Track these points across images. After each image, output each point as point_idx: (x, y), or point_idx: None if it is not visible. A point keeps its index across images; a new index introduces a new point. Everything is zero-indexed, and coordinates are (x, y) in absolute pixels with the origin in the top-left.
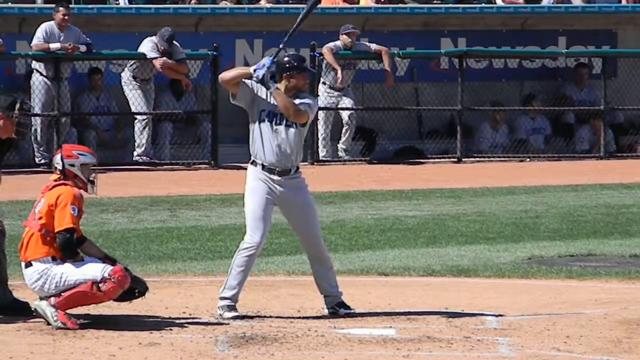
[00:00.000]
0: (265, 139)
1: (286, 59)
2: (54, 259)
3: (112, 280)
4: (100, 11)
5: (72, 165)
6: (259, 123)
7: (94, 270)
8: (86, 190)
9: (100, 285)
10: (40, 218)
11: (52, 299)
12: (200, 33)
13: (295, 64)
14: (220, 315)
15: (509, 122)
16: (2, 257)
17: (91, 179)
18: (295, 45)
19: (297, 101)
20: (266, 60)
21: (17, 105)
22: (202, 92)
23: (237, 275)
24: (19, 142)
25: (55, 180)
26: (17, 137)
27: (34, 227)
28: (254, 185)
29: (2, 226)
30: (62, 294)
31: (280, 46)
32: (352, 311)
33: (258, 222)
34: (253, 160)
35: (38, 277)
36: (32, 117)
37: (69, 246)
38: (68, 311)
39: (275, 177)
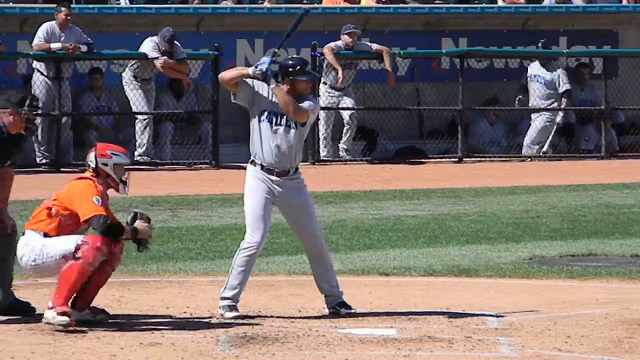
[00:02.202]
0: (264, 139)
1: (290, 62)
2: (45, 235)
3: (85, 244)
4: (101, 11)
5: (105, 165)
6: (259, 123)
7: (69, 242)
8: (117, 190)
9: (75, 254)
10: (55, 199)
11: (49, 302)
12: (201, 33)
13: (298, 68)
14: (222, 315)
15: (512, 123)
16: (10, 257)
17: (123, 179)
18: (296, 45)
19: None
20: (266, 58)
21: (27, 102)
22: (203, 92)
23: (238, 275)
24: (28, 137)
25: (91, 176)
26: (25, 133)
27: (46, 203)
28: (253, 184)
29: (14, 226)
30: (55, 293)
31: (276, 50)
32: (353, 311)
33: (258, 222)
34: (252, 160)
35: (24, 245)
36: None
37: (109, 229)
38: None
39: (274, 178)
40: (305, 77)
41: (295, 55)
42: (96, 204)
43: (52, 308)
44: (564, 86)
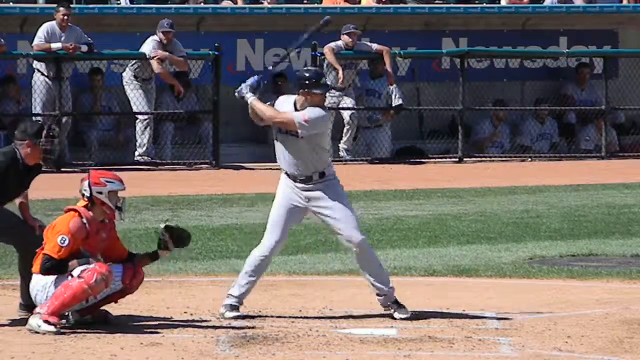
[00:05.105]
0: (279, 149)
1: (306, 74)
2: None
3: (90, 267)
4: (102, 11)
5: (100, 193)
6: (276, 133)
7: (76, 270)
8: (113, 218)
9: (80, 275)
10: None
11: (37, 308)
12: (201, 33)
13: (313, 80)
14: (222, 314)
15: (512, 123)
16: None
17: (119, 205)
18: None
19: (303, 110)
20: (250, 80)
21: (44, 132)
22: (204, 92)
23: (248, 277)
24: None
25: (84, 207)
26: (44, 164)
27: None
28: (279, 191)
29: (42, 227)
30: (47, 302)
31: (270, 67)
32: (407, 315)
33: (274, 227)
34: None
35: (32, 286)
36: (34, 117)
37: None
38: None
39: (299, 185)
40: (319, 90)
41: (311, 67)
42: (58, 245)
43: (37, 314)
44: (397, 100)
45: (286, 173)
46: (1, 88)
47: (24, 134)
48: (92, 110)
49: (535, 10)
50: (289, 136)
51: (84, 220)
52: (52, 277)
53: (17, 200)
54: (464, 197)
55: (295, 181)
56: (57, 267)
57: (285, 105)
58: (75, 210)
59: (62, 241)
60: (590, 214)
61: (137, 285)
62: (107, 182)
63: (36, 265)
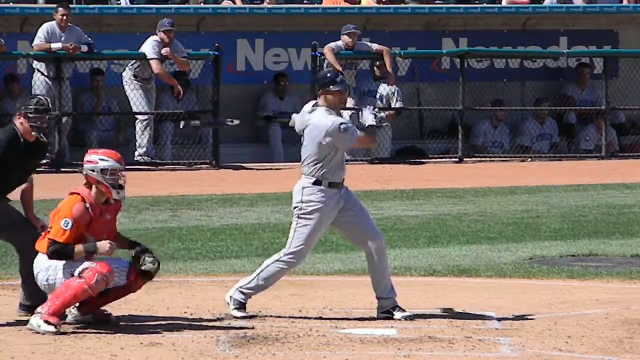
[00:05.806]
0: (337, 160)
1: (328, 75)
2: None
3: (91, 267)
4: (102, 11)
5: (92, 171)
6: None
7: (76, 264)
8: (110, 196)
9: (80, 274)
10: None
11: (38, 308)
12: (201, 33)
13: (331, 79)
14: (227, 303)
15: (512, 123)
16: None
17: (120, 182)
18: (296, 45)
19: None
20: (374, 110)
21: (33, 101)
22: (204, 92)
23: (265, 279)
24: (44, 140)
25: (85, 186)
26: (35, 134)
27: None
28: (321, 211)
29: (44, 226)
30: (48, 302)
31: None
32: (409, 314)
33: (312, 245)
34: None
35: (36, 263)
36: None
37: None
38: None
39: (341, 191)
40: (336, 87)
41: (329, 69)
42: (62, 228)
43: (38, 314)
44: (397, 103)
45: (331, 184)
46: (4, 87)
47: (17, 108)
48: (93, 110)
49: (535, 10)
50: None
51: (87, 205)
52: (54, 263)
53: (23, 187)
54: (464, 197)
55: (339, 188)
56: (62, 251)
57: (305, 109)
58: (79, 194)
59: (65, 224)
60: (591, 214)
61: (141, 284)
62: (100, 159)
63: (41, 244)
